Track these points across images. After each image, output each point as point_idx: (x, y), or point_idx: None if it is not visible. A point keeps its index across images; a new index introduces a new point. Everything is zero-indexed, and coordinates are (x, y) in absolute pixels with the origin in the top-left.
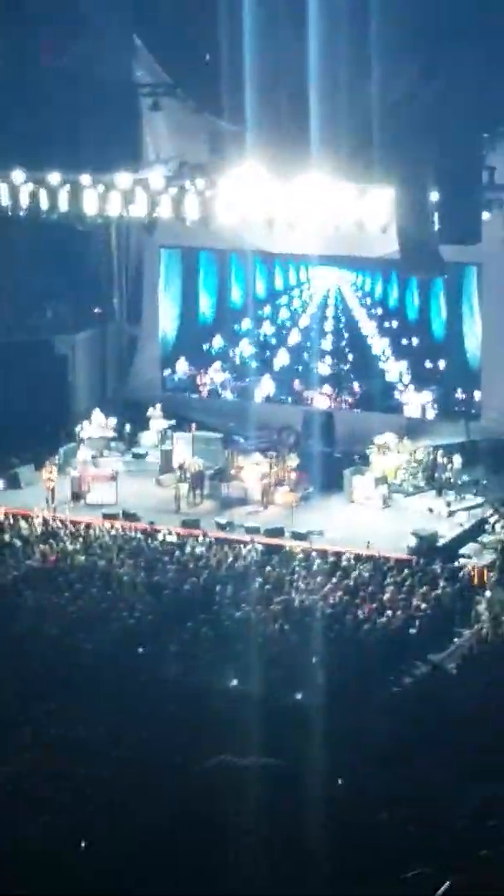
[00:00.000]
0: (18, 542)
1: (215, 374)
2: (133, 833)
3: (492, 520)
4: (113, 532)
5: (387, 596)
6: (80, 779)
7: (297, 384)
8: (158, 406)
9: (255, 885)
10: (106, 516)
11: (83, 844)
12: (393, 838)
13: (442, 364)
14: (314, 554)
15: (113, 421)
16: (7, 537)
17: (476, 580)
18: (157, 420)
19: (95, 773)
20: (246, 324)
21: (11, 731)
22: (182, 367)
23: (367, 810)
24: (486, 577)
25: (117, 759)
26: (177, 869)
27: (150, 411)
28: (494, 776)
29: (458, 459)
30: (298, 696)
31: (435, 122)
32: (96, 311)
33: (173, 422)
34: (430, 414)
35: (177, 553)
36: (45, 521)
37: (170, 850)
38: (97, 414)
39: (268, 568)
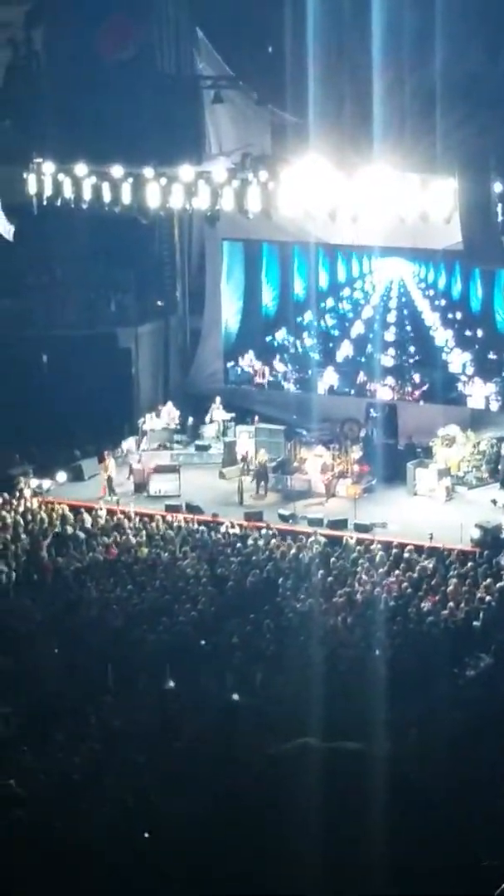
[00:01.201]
0: (82, 535)
1: (278, 366)
2: (195, 822)
3: None
4: (176, 524)
5: (450, 588)
6: (144, 769)
7: (360, 376)
8: (218, 399)
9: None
10: (169, 508)
11: (146, 834)
12: (461, 827)
13: None
14: (377, 546)
15: (176, 413)
16: (71, 530)
17: None
18: (218, 412)
19: (159, 763)
20: (308, 316)
21: (77, 722)
22: (245, 359)
23: (435, 798)
24: None
25: (181, 751)
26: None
27: (212, 405)
28: None
29: None
30: (362, 688)
31: (500, 108)
32: (159, 303)
33: (233, 414)
34: (494, 405)
35: (239, 545)
36: (109, 514)
37: (237, 835)
38: (168, 407)
39: (331, 560)
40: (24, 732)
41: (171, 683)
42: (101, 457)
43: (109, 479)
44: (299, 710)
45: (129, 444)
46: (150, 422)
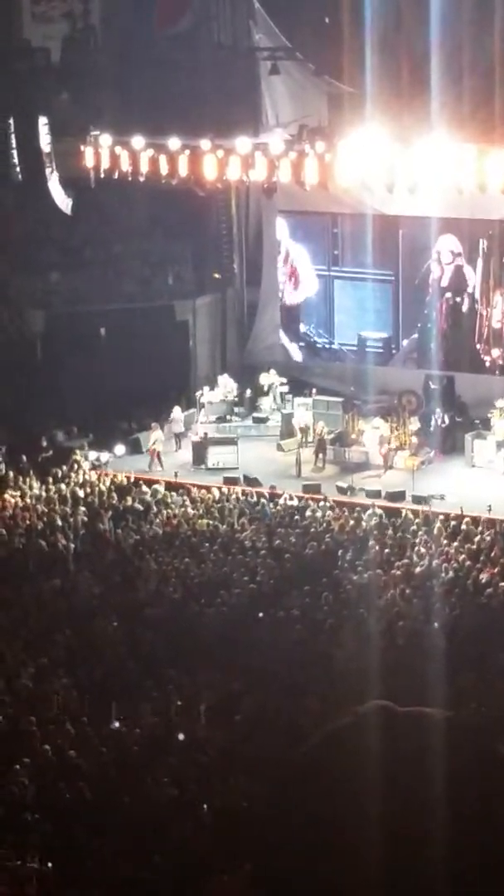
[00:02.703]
0: (141, 507)
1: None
2: (256, 797)
3: None
4: (234, 496)
5: None
6: (202, 743)
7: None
8: (273, 371)
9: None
10: (227, 480)
11: (205, 807)
12: None
13: None
14: (435, 518)
15: (234, 386)
16: (130, 501)
17: None
18: (272, 379)
19: (219, 737)
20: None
21: (138, 695)
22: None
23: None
24: None
25: (240, 723)
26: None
27: (264, 376)
28: None
29: None
30: (420, 661)
31: None
32: (216, 276)
33: (284, 379)
34: None
35: (297, 517)
36: (168, 486)
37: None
38: (225, 379)
39: (388, 532)
40: (85, 705)
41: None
42: (150, 426)
43: (156, 451)
44: (358, 683)
45: (176, 414)
46: (207, 394)
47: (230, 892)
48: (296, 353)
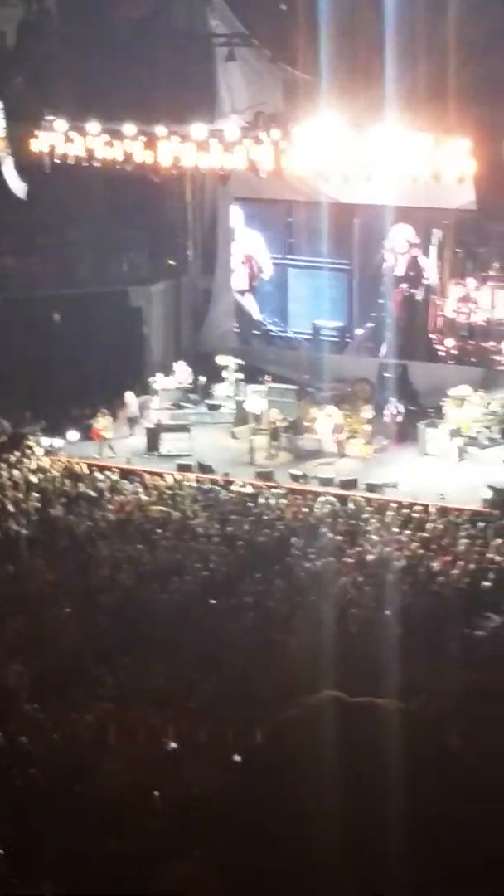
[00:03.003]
0: (93, 493)
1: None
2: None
3: None
4: (187, 483)
5: (461, 548)
6: (157, 730)
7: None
8: (227, 357)
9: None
10: (180, 467)
11: (156, 794)
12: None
13: None
14: (388, 506)
15: (188, 372)
16: (82, 488)
17: None
18: (226, 361)
19: (172, 724)
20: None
21: (90, 682)
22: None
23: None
24: None
25: (194, 711)
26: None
27: (220, 357)
28: None
29: None
30: (373, 649)
31: None
32: (171, 262)
33: (242, 362)
34: None
35: (250, 505)
36: (121, 472)
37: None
38: (182, 366)
39: (341, 520)
40: (38, 691)
41: None
42: (98, 413)
43: (103, 436)
44: (311, 671)
45: (129, 399)
46: (161, 381)
47: (184, 879)
48: (250, 341)
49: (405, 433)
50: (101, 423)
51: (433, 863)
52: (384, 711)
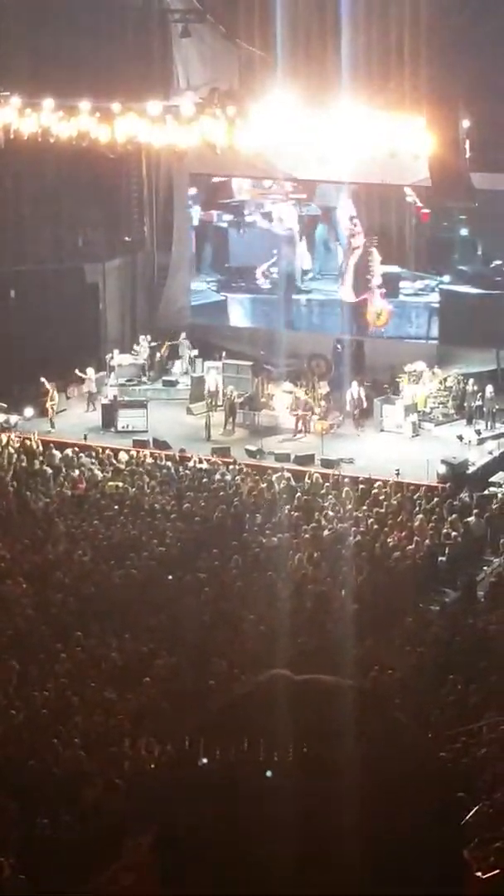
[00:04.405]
0: (49, 470)
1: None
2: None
3: None
4: (143, 459)
5: (416, 524)
6: (114, 703)
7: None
8: (183, 334)
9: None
10: (136, 443)
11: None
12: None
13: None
14: (344, 482)
15: (145, 348)
16: (38, 464)
17: None
18: (183, 344)
19: (127, 699)
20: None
21: (47, 657)
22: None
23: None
24: None
25: (149, 683)
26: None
27: (179, 338)
28: None
29: (489, 388)
30: (328, 624)
31: (468, 46)
32: (127, 239)
33: (197, 351)
34: None
35: (206, 480)
36: (76, 448)
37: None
38: (143, 340)
39: (297, 495)
40: None
41: None
42: (43, 387)
43: (49, 410)
44: (266, 646)
45: (89, 374)
46: (117, 357)
47: (137, 854)
48: (205, 317)
49: (366, 415)
50: (48, 396)
51: (383, 838)
52: (328, 687)
